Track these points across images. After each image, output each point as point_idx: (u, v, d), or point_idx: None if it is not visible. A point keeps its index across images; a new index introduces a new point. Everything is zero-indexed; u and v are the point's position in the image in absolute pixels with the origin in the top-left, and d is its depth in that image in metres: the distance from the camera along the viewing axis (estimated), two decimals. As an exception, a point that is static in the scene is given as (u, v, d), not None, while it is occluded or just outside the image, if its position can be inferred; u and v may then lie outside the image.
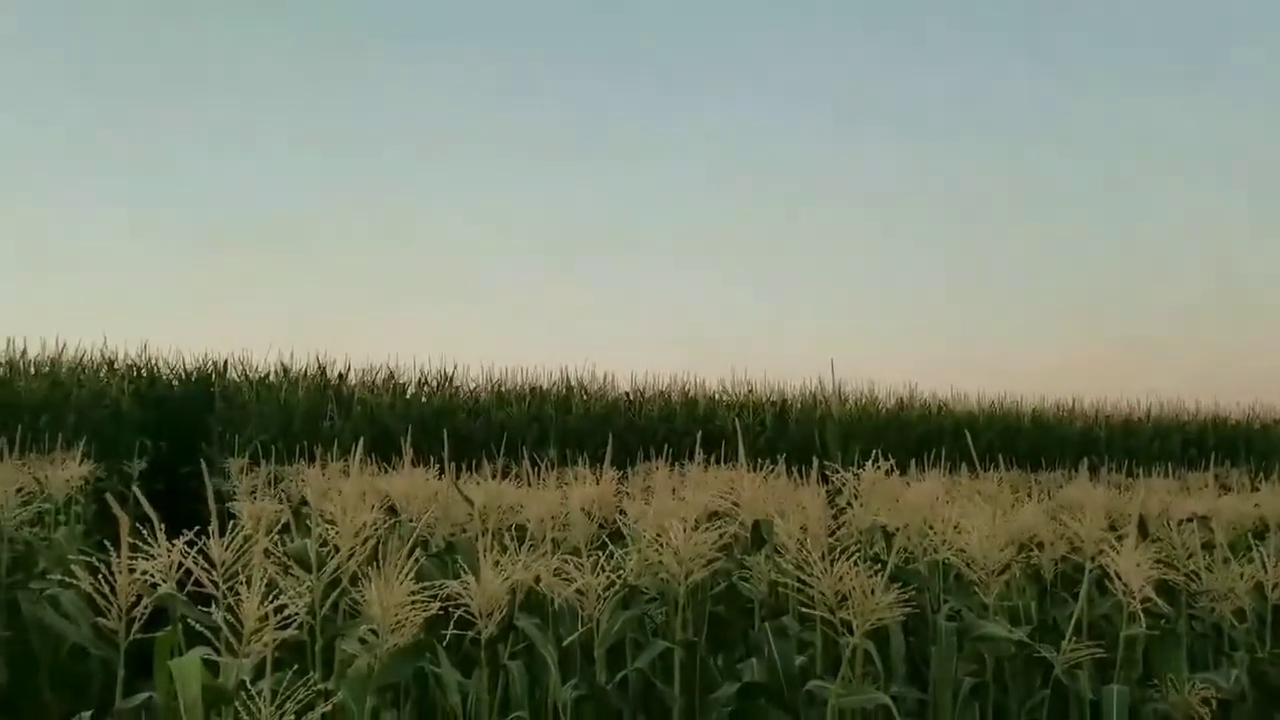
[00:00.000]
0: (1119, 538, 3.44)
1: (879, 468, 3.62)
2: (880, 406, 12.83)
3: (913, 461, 5.33)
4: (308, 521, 4.11)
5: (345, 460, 5.94)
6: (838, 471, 3.77)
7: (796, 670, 3.06)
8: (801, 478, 4.63)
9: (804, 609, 3.05)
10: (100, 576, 2.51)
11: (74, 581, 2.51)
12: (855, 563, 2.84)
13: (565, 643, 3.03)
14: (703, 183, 20.03)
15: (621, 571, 3.17)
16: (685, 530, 3.14)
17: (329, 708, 2.40)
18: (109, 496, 2.61)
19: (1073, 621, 3.22)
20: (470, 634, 2.99)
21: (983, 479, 4.98)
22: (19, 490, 4.65)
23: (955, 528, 3.48)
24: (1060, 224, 20.42)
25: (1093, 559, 3.44)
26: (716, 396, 12.62)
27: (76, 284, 16.50)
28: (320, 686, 2.42)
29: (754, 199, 20.27)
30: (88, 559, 2.53)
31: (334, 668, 2.74)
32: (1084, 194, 20.36)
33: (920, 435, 11.83)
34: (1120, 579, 3.22)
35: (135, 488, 2.71)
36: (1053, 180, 20.07)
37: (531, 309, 19.04)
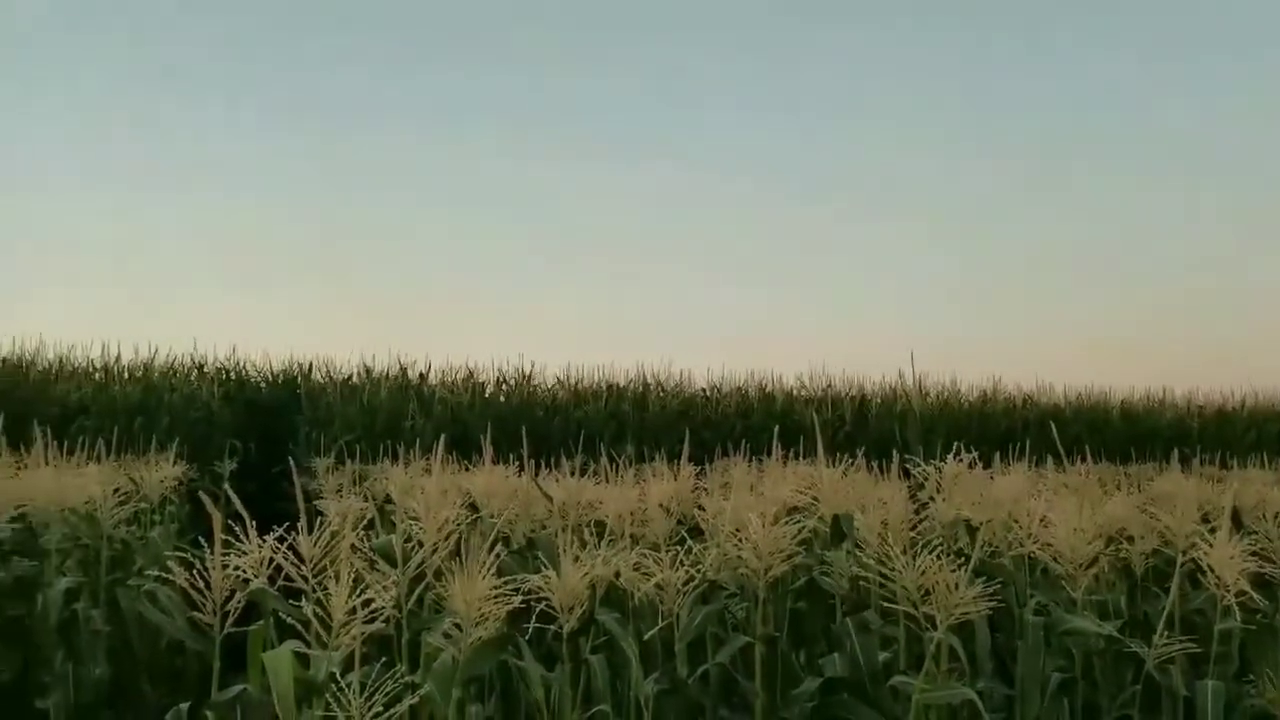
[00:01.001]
0: (1212, 530, 3.35)
1: (962, 460, 3.57)
2: (963, 400, 12.62)
3: (997, 455, 5.25)
4: (392, 518, 4.19)
5: (427, 458, 6.03)
6: (919, 465, 3.73)
7: (880, 665, 3.03)
8: (882, 472, 4.59)
9: (886, 604, 3.02)
10: (195, 572, 2.59)
11: (171, 578, 2.59)
12: (938, 557, 2.81)
13: (646, 637, 3.05)
14: (777, 179, 19.93)
15: (701, 566, 3.17)
16: (765, 525, 3.13)
17: (416, 700, 2.44)
18: (203, 495, 2.69)
19: (1164, 616, 3.14)
20: (552, 628, 3.03)
21: (1070, 472, 4.88)
22: (116, 490, 4.82)
23: (1041, 521, 3.42)
24: (1150, 211, 19.90)
25: (1185, 552, 3.35)
26: (794, 392, 12.53)
27: (165, 291, 17.03)
28: (407, 679, 2.46)
29: (828, 194, 20.11)
30: (184, 556, 2.61)
31: (420, 661, 2.79)
32: (1173, 177, 19.81)
33: (1004, 429, 11.61)
34: (1214, 572, 3.14)
35: (227, 487, 2.78)
36: (1137, 164, 19.57)
37: (605, 307, 19.15)
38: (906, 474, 4.06)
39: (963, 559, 2.95)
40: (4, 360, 10.56)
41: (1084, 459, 5.08)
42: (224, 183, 17.99)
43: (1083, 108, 19.47)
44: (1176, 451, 6.35)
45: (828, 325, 18.68)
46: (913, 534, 3.28)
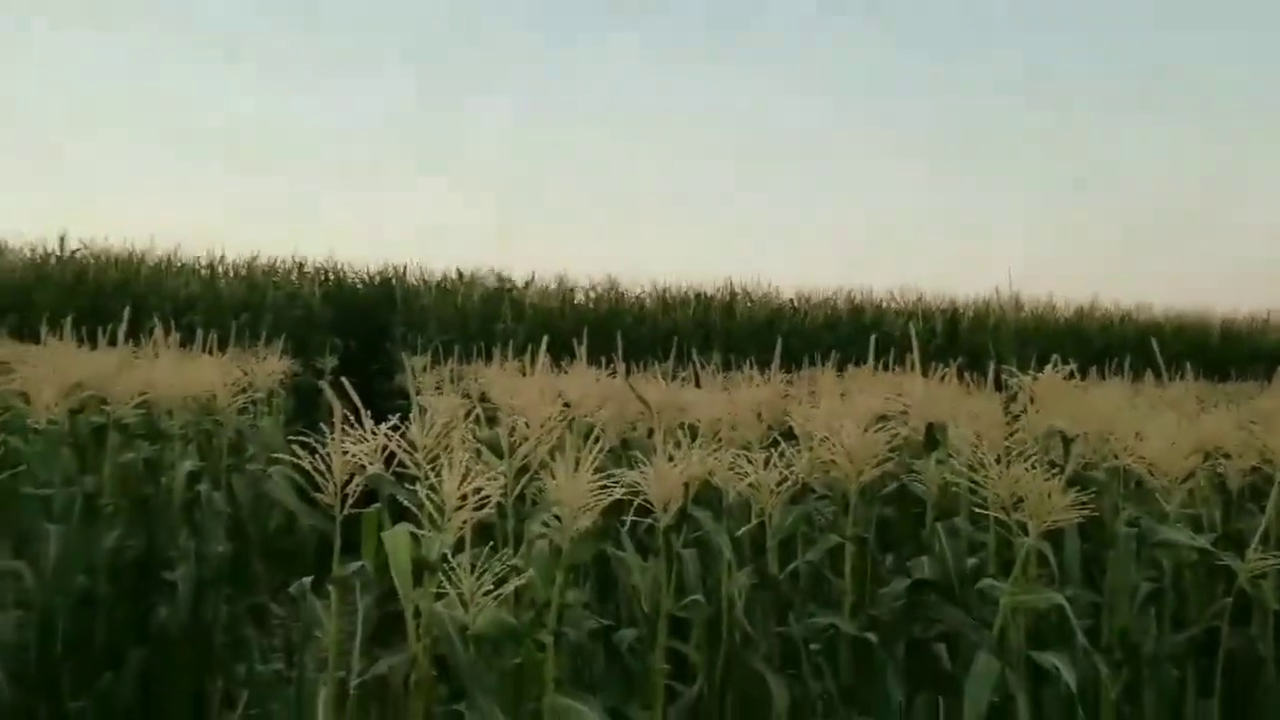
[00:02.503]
0: (1315, 450, 3.31)
1: (1058, 371, 3.56)
2: (1058, 315, 12.39)
3: (1093, 370, 5.19)
4: (490, 415, 4.33)
5: (519, 360, 6.18)
6: (1013, 376, 3.73)
7: (968, 569, 3.09)
8: (974, 384, 4.58)
9: (977, 510, 3.07)
10: (318, 456, 2.74)
11: (297, 461, 2.73)
12: (1032, 465, 2.84)
13: (738, 534, 3.14)
14: (873, 93, 19.48)
15: (793, 469, 3.24)
16: (857, 429, 3.18)
17: (522, 581, 2.58)
18: (326, 386, 2.83)
19: (1259, 532, 3.13)
20: (646, 522, 3.14)
21: (1168, 387, 4.81)
22: (232, 382, 5.05)
23: (1136, 435, 3.41)
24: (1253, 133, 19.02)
25: (1284, 471, 3.32)
26: (884, 304, 12.45)
27: (269, 192, 17.45)
28: (512, 562, 2.59)
29: (918, 106, 19.62)
30: (305, 441, 2.76)
31: (523, 547, 2.93)
32: None
33: (1100, 346, 11.40)
34: (1314, 491, 3.11)
35: (344, 380, 2.92)
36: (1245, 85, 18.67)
37: (700, 216, 19.10)
38: (999, 387, 4.06)
39: (1056, 469, 2.98)
40: (116, 258, 10.99)
41: (1183, 376, 5.00)
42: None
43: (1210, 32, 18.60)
44: (1281, 372, 6.19)
45: (922, 242, 18.43)
46: (1006, 444, 3.30)
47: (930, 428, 3.34)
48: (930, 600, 3.01)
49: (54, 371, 4.21)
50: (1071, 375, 3.58)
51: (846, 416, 3.43)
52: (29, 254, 10.79)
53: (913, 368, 3.76)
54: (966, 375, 4.68)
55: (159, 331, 5.34)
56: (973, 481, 2.91)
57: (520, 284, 11.93)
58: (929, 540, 3.18)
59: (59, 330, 5.19)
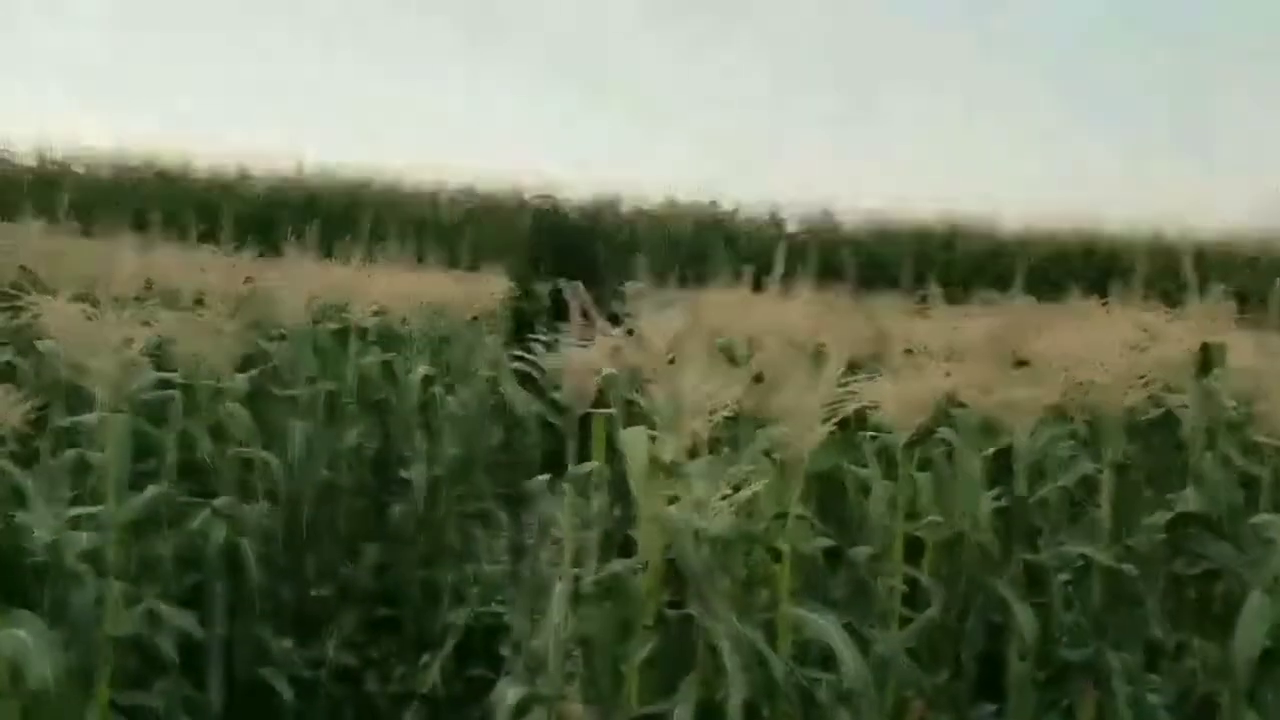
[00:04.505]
0: None
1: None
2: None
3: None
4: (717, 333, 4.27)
5: (733, 287, 6.11)
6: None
7: (1240, 503, 2.83)
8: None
9: (1251, 440, 2.80)
10: (555, 358, 2.75)
11: (533, 360, 2.76)
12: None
13: (985, 454, 2.97)
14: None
15: (1043, 389, 3.03)
16: (1120, 350, 2.95)
17: (758, 489, 2.51)
18: (565, 289, 2.81)
19: None
20: (880, 439, 3.02)
21: None
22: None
23: None
24: None
25: None
26: (1114, 238, 11.71)
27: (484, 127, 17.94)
28: (748, 469, 2.53)
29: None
30: (544, 342, 2.78)
31: (756, 457, 2.85)
32: None
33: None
34: None
35: (580, 285, 2.91)
36: None
37: (919, 143, 18.44)
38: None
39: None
40: (345, 183, 11.58)
41: None
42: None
43: None
44: None
45: (1175, 171, 17.11)
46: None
47: (1206, 348, 3.06)
48: (1194, 534, 2.77)
49: (298, 282, 4.43)
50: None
51: (1098, 341, 3.20)
52: (267, 178, 11.50)
53: (1183, 290, 3.45)
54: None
55: (393, 248, 5.54)
56: (1253, 406, 2.65)
57: (731, 213, 11.87)
58: (1196, 470, 2.93)
59: (303, 243, 5.46)
